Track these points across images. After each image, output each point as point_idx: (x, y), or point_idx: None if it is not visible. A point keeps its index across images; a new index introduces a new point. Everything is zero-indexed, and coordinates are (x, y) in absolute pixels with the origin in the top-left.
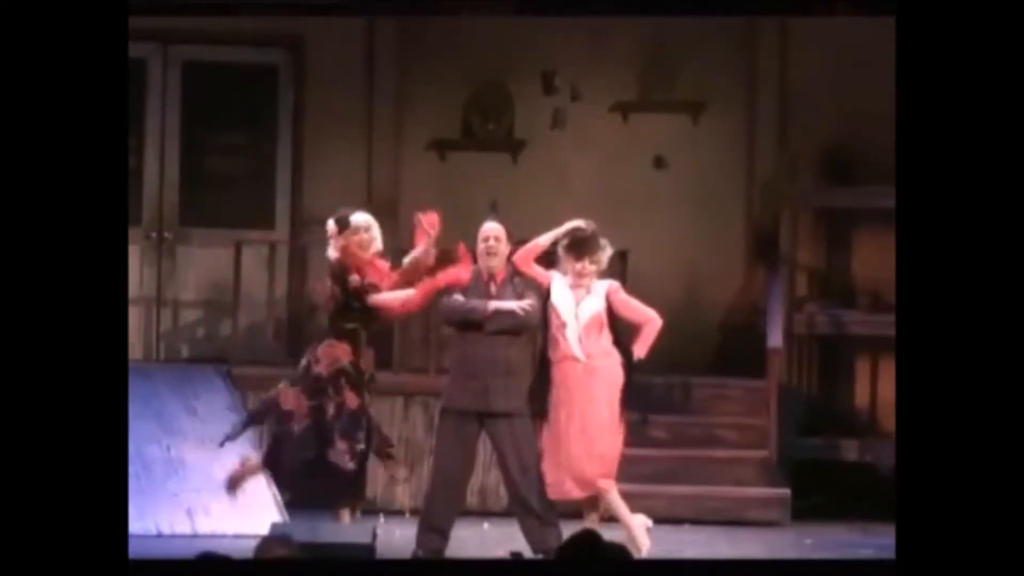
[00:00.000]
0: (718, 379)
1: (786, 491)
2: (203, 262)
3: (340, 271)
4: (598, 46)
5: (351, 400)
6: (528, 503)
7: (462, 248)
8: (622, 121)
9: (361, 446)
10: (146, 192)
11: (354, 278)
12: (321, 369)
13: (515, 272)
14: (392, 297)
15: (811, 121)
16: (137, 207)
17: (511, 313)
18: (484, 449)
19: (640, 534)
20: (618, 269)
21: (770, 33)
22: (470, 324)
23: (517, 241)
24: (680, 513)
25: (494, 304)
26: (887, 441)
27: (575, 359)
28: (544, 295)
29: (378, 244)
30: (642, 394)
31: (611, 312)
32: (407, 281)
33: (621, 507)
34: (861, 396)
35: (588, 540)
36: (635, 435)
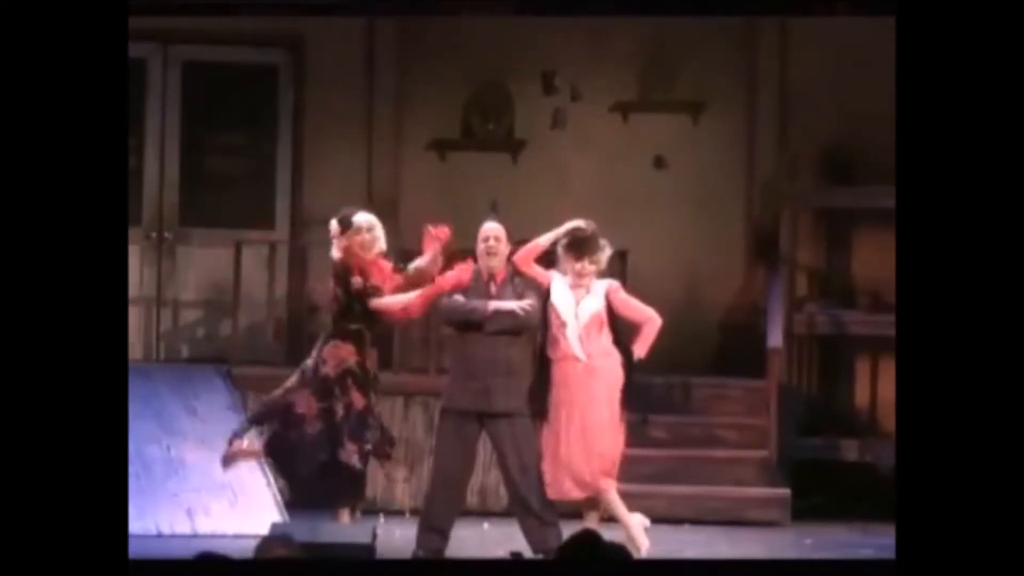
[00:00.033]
0: (718, 379)
1: (786, 491)
2: (203, 262)
3: (342, 272)
4: (598, 46)
5: (358, 400)
6: (528, 503)
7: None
8: (622, 121)
9: (369, 446)
10: (146, 192)
11: (356, 280)
12: (329, 370)
13: (515, 272)
14: (393, 301)
15: (811, 121)
16: (137, 207)
17: (511, 313)
18: (484, 449)
19: (639, 534)
20: (618, 269)
21: (770, 33)
22: (470, 324)
23: (517, 241)
24: (680, 513)
25: (494, 304)
26: (887, 441)
27: (575, 359)
28: (544, 295)
29: (381, 244)
30: (642, 394)
31: (611, 311)
32: (410, 285)
33: (619, 507)
34: (861, 396)
35: (588, 540)
36: (635, 435)
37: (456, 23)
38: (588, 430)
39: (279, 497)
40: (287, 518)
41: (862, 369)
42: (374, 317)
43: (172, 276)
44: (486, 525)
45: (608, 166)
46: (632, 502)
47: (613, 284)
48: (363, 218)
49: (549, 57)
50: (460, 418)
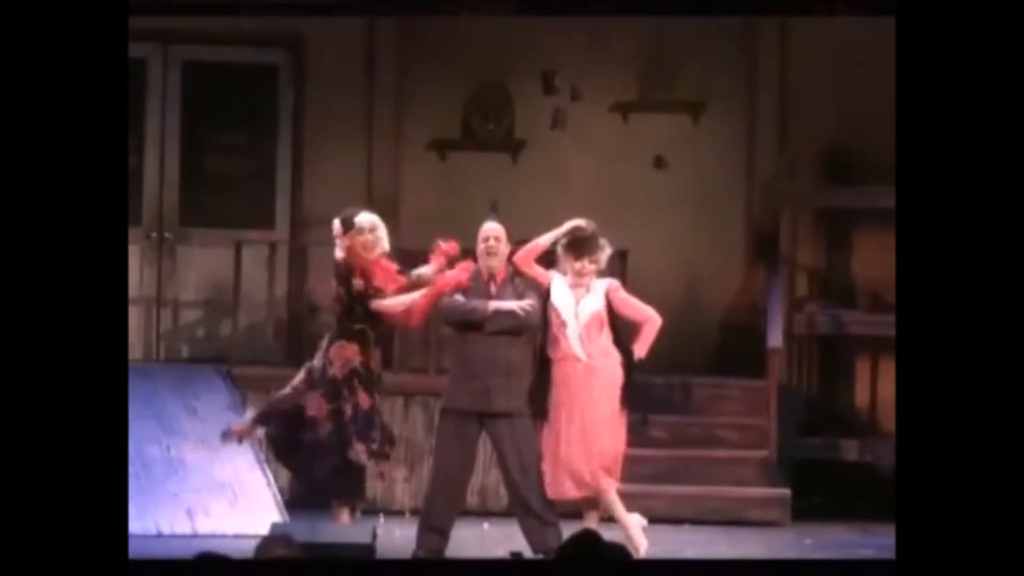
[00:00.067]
0: (718, 379)
1: (786, 491)
2: (203, 262)
3: (345, 272)
4: (598, 46)
5: (363, 400)
6: (528, 503)
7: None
8: (622, 121)
9: (375, 445)
10: (146, 192)
11: (357, 282)
12: (336, 371)
13: (515, 272)
14: (394, 303)
15: (811, 121)
16: (137, 207)
17: (511, 313)
18: (484, 449)
19: (637, 534)
20: (618, 269)
21: (770, 33)
22: (470, 324)
23: (517, 241)
24: (680, 513)
25: (494, 304)
26: (887, 441)
27: (576, 358)
28: (544, 295)
29: (384, 244)
30: (642, 394)
31: (611, 311)
32: (412, 287)
33: (618, 507)
34: (861, 396)
35: (588, 540)
36: (635, 435)
37: (456, 23)
38: (588, 430)
39: (279, 497)
40: (287, 518)
41: (862, 369)
42: (377, 317)
43: (172, 276)
44: (486, 525)
45: (608, 166)
46: (632, 502)
47: (613, 283)
48: (365, 218)
49: (549, 57)
50: (460, 418)
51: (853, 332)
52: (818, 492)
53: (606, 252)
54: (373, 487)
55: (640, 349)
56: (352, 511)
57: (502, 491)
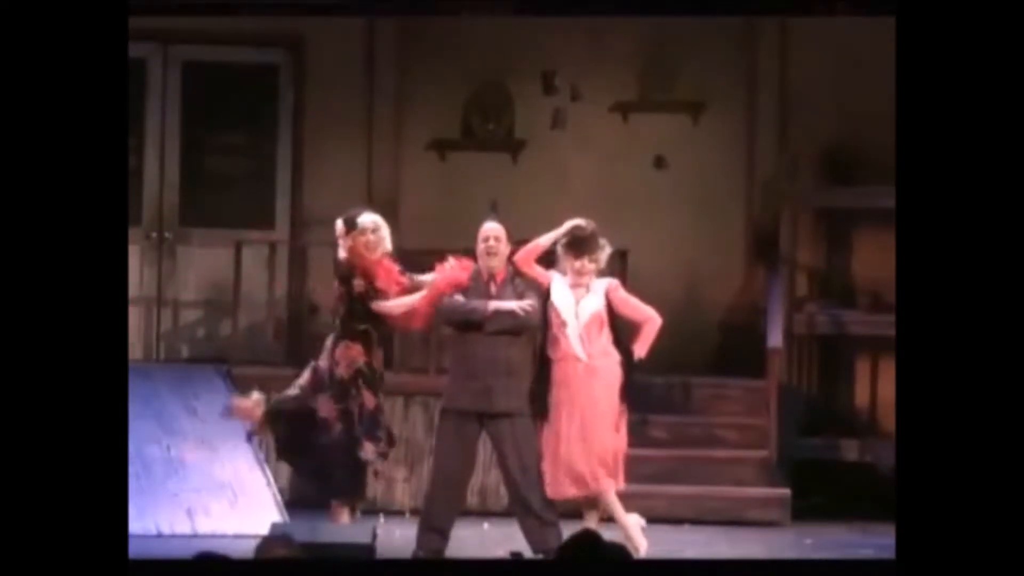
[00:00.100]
0: (718, 379)
1: (786, 491)
2: (203, 262)
3: (347, 273)
4: (598, 46)
5: (369, 400)
6: (528, 503)
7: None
8: (622, 121)
9: (382, 444)
10: (146, 192)
11: (358, 282)
12: (343, 372)
13: (515, 272)
14: (394, 305)
15: (811, 121)
16: (137, 207)
17: (511, 313)
18: (484, 449)
19: (636, 534)
20: (618, 269)
21: (770, 33)
22: (470, 324)
23: (517, 241)
24: (680, 513)
25: (494, 304)
26: (887, 441)
27: (576, 358)
28: (544, 295)
29: (386, 245)
30: (642, 394)
31: (611, 311)
32: (414, 288)
33: (617, 507)
34: (861, 396)
35: (588, 540)
36: (635, 435)
37: (456, 23)
38: (588, 430)
39: (279, 497)
40: (287, 518)
41: (862, 369)
42: (380, 318)
43: (172, 276)
44: (486, 525)
45: (608, 166)
46: (632, 502)
47: (613, 283)
48: (368, 219)
49: (549, 57)
50: (460, 418)
51: (853, 332)
52: (818, 492)
53: (606, 251)
54: (373, 487)
55: (640, 349)
56: (352, 511)
57: (502, 491)
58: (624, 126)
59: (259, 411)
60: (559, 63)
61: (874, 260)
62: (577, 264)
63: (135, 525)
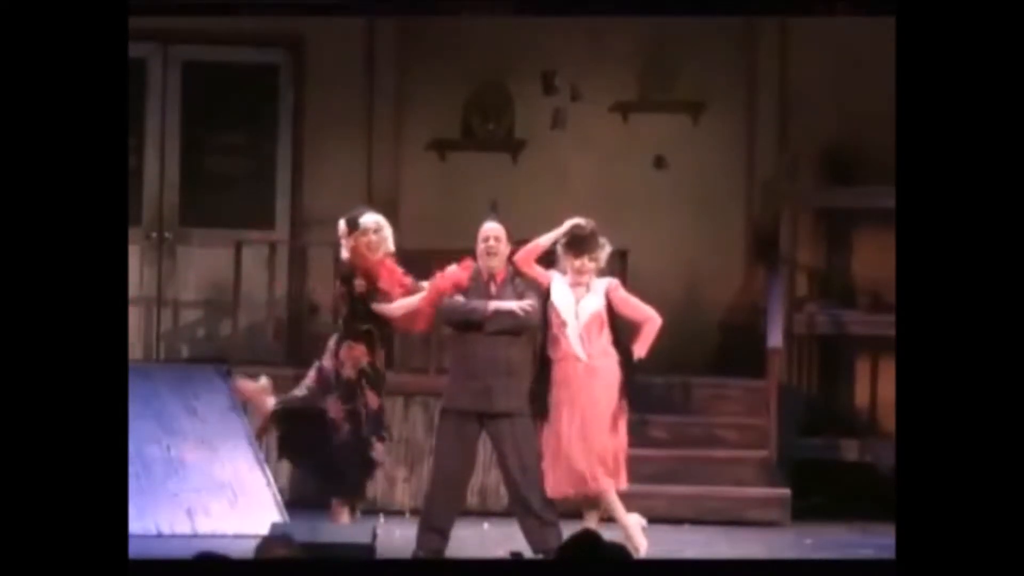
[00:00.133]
0: (718, 379)
1: (786, 491)
2: (203, 262)
3: (349, 273)
4: (598, 46)
5: (372, 400)
6: (528, 503)
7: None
8: (622, 121)
9: (387, 444)
10: (146, 192)
11: (359, 283)
12: (349, 372)
13: (515, 272)
14: (395, 307)
15: (811, 121)
16: (137, 207)
17: (511, 313)
18: (484, 449)
19: (636, 534)
20: (618, 269)
21: (770, 33)
22: (470, 324)
23: (517, 241)
24: (680, 513)
25: (494, 304)
26: (887, 441)
27: (576, 358)
28: (544, 295)
29: (388, 245)
30: (642, 394)
31: (611, 311)
32: (416, 290)
33: (617, 507)
34: (861, 396)
35: (588, 540)
36: (635, 435)
37: (456, 23)
38: (589, 429)
39: (279, 497)
40: (287, 518)
41: (862, 369)
42: (383, 318)
43: (172, 276)
44: (486, 525)
45: (608, 166)
46: (632, 502)
47: (613, 283)
48: (370, 219)
49: (549, 57)
50: (460, 418)
51: (853, 332)
52: (818, 492)
53: (606, 250)
54: (373, 487)
55: (640, 349)
56: (352, 511)
57: (502, 491)
58: (624, 126)
59: (264, 398)
60: (559, 63)
61: (874, 260)
62: (577, 263)
63: (135, 525)
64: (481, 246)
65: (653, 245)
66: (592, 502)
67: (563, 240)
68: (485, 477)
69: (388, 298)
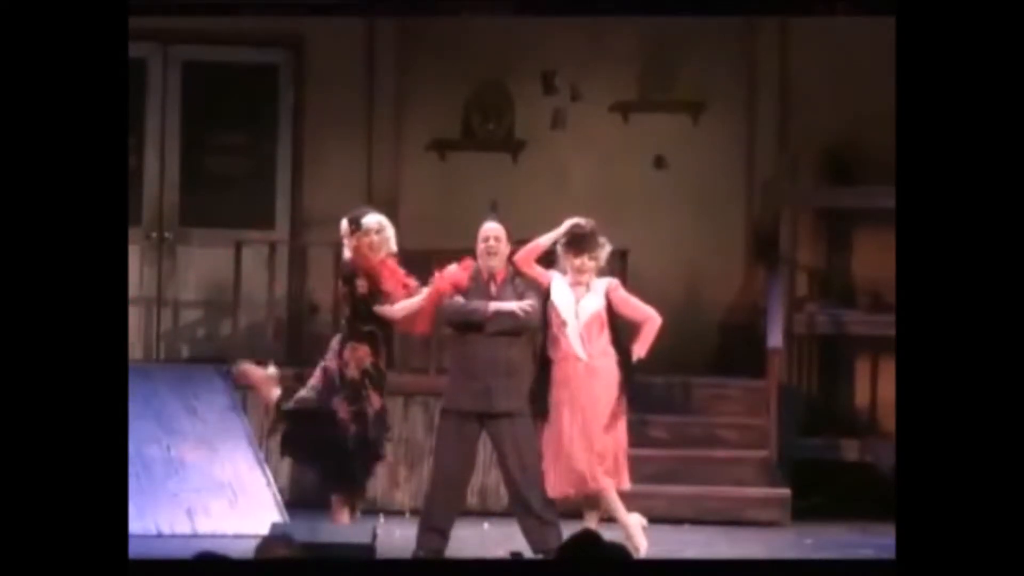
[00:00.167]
0: (718, 379)
1: (786, 491)
2: (203, 262)
3: (351, 274)
4: (598, 46)
5: (375, 400)
6: (528, 503)
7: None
8: (622, 121)
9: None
10: (146, 192)
11: (361, 283)
12: (353, 373)
13: (515, 272)
14: (396, 309)
15: (811, 121)
16: (137, 207)
17: (511, 314)
18: (484, 449)
19: (637, 533)
20: (618, 269)
21: (770, 33)
22: (471, 325)
23: (517, 241)
24: (680, 513)
25: (495, 305)
26: (887, 441)
27: (576, 358)
28: (544, 295)
29: (391, 245)
30: (642, 394)
31: (611, 310)
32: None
33: (618, 507)
34: (861, 396)
35: (588, 540)
36: (635, 435)
37: (456, 23)
38: (589, 429)
39: (279, 497)
40: (287, 518)
41: (862, 369)
42: (385, 319)
43: (172, 276)
44: (486, 525)
45: (608, 166)
46: (632, 502)
47: (613, 282)
48: (372, 219)
49: (549, 57)
50: (460, 418)
51: (853, 332)
52: (818, 492)
53: (606, 250)
54: (373, 487)
55: (640, 349)
56: (352, 511)
57: (502, 491)
58: (624, 126)
59: (270, 387)
60: (559, 63)
61: (874, 260)
62: (577, 262)
63: (135, 525)
64: (481, 246)
65: (653, 245)
66: (592, 502)
67: (563, 240)
68: (485, 477)
69: (390, 299)
